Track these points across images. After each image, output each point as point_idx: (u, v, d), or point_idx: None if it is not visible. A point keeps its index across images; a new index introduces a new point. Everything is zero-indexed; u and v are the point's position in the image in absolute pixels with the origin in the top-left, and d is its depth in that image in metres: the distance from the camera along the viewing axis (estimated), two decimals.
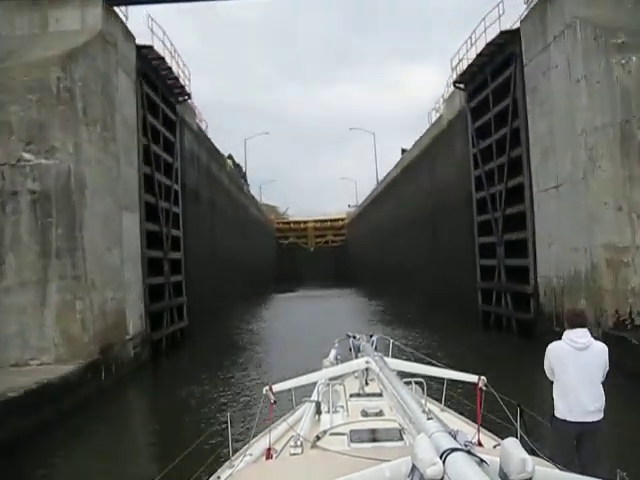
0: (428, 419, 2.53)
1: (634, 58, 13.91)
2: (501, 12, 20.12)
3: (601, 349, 5.62)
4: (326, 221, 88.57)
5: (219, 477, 3.96)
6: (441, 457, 2.00)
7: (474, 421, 4.55)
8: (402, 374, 4.63)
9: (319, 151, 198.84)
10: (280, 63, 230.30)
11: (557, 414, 5.48)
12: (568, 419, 5.40)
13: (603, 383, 5.50)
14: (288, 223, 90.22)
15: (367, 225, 62.62)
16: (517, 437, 3.51)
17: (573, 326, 5.67)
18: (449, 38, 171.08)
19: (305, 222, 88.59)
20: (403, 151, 45.45)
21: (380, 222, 52.72)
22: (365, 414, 4.67)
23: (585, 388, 5.43)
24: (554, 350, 5.69)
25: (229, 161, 45.37)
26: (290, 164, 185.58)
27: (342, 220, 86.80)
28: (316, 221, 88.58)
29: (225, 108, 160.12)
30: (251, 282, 47.28)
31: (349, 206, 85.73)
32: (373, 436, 4.02)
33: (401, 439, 3.84)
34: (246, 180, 58.86)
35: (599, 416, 5.41)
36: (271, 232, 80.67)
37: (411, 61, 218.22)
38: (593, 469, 4.67)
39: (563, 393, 5.51)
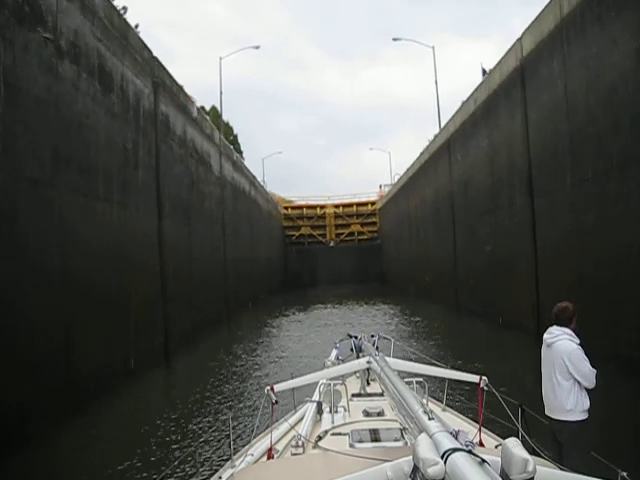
0: (429, 419, 2.52)
1: None
2: None
3: (563, 348, 5.42)
4: (351, 205, 64.42)
5: (220, 477, 3.93)
6: (442, 457, 2.01)
7: (475, 421, 4.55)
8: (403, 374, 4.63)
9: (354, 137, 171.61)
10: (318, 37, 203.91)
11: None
12: (547, 414, 5.47)
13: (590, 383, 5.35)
14: (300, 208, 65.90)
15: (413, 207, 39.89)
16: (518, 437, 3.52)
17: (551, 322, 5.68)
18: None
19: (323, 206, 64.38)
20: (484, 72, 25.82)
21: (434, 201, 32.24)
22: (366, 414, 4.69)
23: (547, 384, 5.52)
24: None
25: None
26: (322, 149, 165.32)
27: (372, 204, 63.01)
28: (337, 206, 64.48)
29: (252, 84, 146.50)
30: (236, 294, 30.83)
31: (381, 187, 64.31)
32: (374, 436, 4.04)
33: (402, 439, 3.86)
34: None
35: (576, 417, 5.32)
36: (276, 221, 59.57)
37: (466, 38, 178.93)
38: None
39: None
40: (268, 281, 47.06)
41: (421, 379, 4.86)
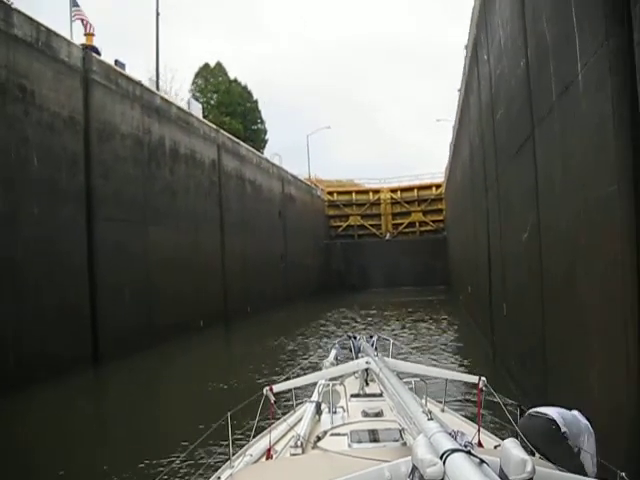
0: (428, 420, 2.53)
1: None
2: None
3: None
4: (411, 189, 53.39)
5: (219, 477, 3.94)
6: (441, 458, 2.02)
7: (474, 422, 4.56)
8: (402, 374, 4.63)
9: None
10: None
11: None
12: None
13: None
14: (348, 193, 55.31)
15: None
16: (517, 438, 3.52)
17: None
18: None
19: (377, 191, 54.43)
20: None
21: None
22: (365, 414, 4.69)
23: None
24: None
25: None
26: None
27: (438, 187, 51.23)
28: (395, 190, 53.86)
29: None
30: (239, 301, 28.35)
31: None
32: (373, 437, 4.03)
33: (401, 440, 3.86)
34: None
35: None
36: (317, 208, 50.45)
37: None
38: None
39: None
40: (309, 279, 43.07)
41: (420, 380, 4.87)
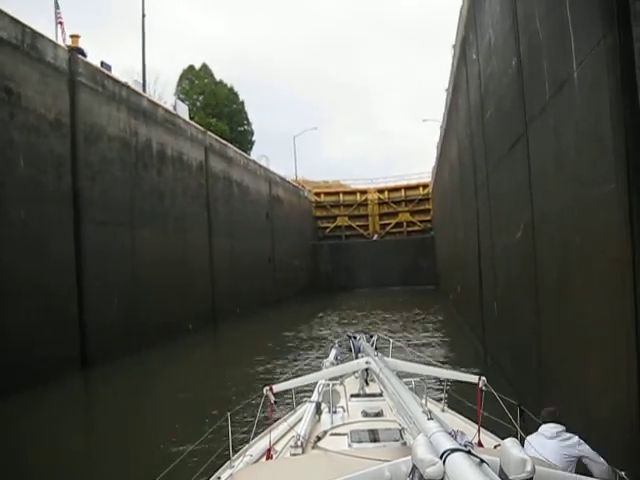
0: (428, 419, 2.53)
1: None
2: None
3: None
4: (399, 189, 53.76)
5: (219, 477, 3.95)
6: (441, 457, 2.01)
7: (474, 421, 4.55)
8: (402, 374, 4.63)
9: None
10: None
11: None
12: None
13: None
14: (335, 194, 55.51)
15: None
16: (517, 437, 3.52)
17: None
18: None
19: (364, 192, 54.64)
20: None
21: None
22: (365, 414, 4.69)
23: None
24: None
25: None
26: None
27: (425, 187, 51.47)
28: (382, 190, 54.24)
29: None
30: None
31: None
32: (373, 436, 4.03)
33: (401, 439, 3.86)
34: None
35: None
36: (304, 209, 50.56)
37: None
38: None
39: None
40: (296, 280, 42.80)
41: (420, 379, 4.87)
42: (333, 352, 7.08)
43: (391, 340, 6.56)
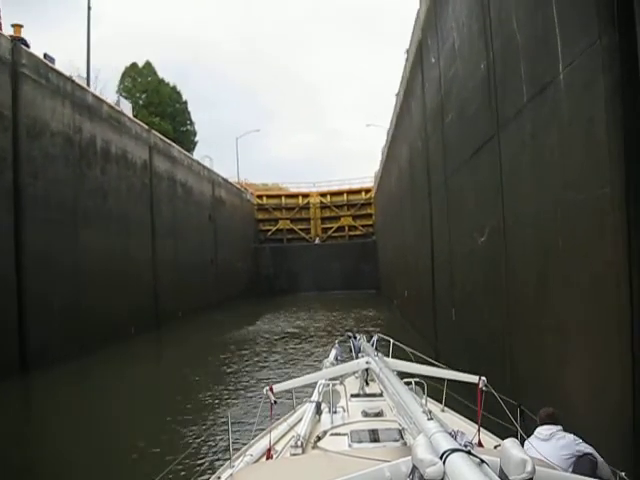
0: (428, 419, 2.55)
1: None
2: None
3: None
4: (341, 193, 53.61)
5: (219, 477, 3.95)
6: (441, 457, 2.04)
7: (474, 421, 4.58)
8: (402, 374, 4.65)
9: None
10: None
11: None
12: None
13: None
14: (277, 197, 55.31)
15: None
16: (517, 437, 3.55)
17: None
18: None
19: (306, 195, 54.16)
20: None
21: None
22: (365, 414, 4.71)
23: None
24: None
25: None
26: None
27: (367, 192, 51.88)
28: (324, 194, 53.89)
29: None
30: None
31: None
32: (373, 436, 4.06)
33: (401, 439, 3.89)
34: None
35: None
36: (246, 212, 50.22)
37: None
38: None
39: None
40: (237, 284, 42.62)
41: (420, 379, 4.89)
42: (333, 352, 7.11)
43: (391, 340, 6.56)
